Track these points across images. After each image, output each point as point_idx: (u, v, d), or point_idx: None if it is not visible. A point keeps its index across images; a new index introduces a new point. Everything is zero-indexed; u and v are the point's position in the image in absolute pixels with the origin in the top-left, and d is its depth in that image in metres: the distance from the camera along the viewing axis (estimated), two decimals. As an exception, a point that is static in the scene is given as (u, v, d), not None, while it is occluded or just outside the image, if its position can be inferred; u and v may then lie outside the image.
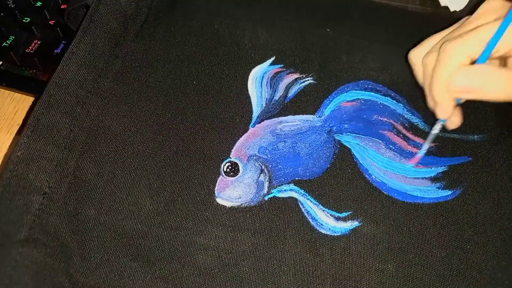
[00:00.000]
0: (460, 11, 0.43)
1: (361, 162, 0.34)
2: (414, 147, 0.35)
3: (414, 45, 0.36)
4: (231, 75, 0.37)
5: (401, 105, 0.37)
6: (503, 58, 0.33)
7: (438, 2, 0.44)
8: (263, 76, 0.38)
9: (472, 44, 0.30)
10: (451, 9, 0.44)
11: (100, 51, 0.36)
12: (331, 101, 0.37)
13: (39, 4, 0.45)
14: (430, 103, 0.34)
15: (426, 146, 0.35)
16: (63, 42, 0.42)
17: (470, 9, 0.43)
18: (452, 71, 0.31)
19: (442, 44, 0.32)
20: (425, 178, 0.34)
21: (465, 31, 0.31)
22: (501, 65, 0.33)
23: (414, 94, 0.37)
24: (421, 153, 0.35)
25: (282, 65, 0.38)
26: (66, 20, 0.40)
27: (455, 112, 0.34)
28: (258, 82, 0.37)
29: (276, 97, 0.37)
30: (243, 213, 0.32)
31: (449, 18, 0.42)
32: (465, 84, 0.31)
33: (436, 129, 0.34)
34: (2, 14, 0.44)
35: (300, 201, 0.33)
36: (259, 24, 0.40)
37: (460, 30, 0.32)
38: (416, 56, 0.35)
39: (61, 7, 0.44)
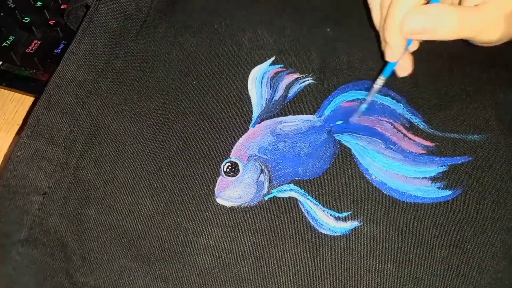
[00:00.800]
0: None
1: (361, 162, 0.34)
2: (414, 146, 0.35)
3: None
4: (231, 75, 0.37)
5: (401, 105, 0.37)
6: None
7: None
8: (263, 76, 0.38)
9: None
10: None
11: (100, 51, 0.36)
12: (331, 101, 0.37)
13: (39, 4, 0.45)
14: (382, 44, 0.34)
15: (368, 99, 0.35)
16: (63, 42, 0.43)
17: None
18: (406, 11, 0.31)
19: None
20: (425, 178, 0.34)
21: None
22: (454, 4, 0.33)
23: (414, 94, 0.37)
24: (362, 108, 0.35)
25: (282, 65, 0.38)
26: (66, 20, 0.40)
27: (406, 56, 0.33)
28: (258, 82, 0.37)
29: (276, 97, 0.37)
30: (243, 213, 0.32)
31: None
32: (420, 26, 0.30)
33: (379, 84, 0.34)
34: (2, 14, 0.44)
35: (300, 201, 0.33)
36: (259, 24, 0.40)
37: None
38: None
39: (61, 7, 0.45)
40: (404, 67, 0.34)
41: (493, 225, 0.32)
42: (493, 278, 0.31)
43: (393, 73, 0.36)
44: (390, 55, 0.33)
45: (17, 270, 0.28)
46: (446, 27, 0.31)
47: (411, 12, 0.31)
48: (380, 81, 0.35)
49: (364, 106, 0.35)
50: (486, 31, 0.32)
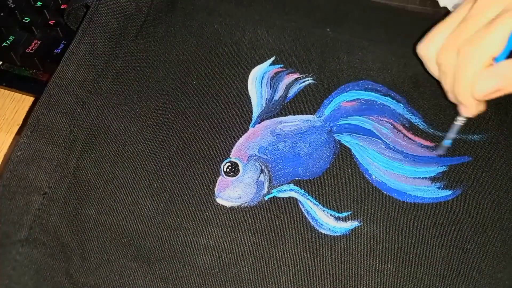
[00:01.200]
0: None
1: (361, 162, 0.34)
2: (414, 146, 0.35)
3: (414, 45, 0.36)
4: (231, 75, 0.37)
5: (401, 105, 0.37)
6: None
7: (438, 2, 0.44)
8: (263, 76, 0.38)
9: (492, 44, 0.30)
10: (450, 9, 0.44)
11: (100, 51, 0.36)
12: (331, 101, 0.37)
13: (39, 4, 0.45)
14: (451, 99, 0.34)
15: (451, 135, 0.35)
16: (63, 42, 0.42)
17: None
18: (475, 74, 0.30)
19: (459, 48, 0.31)
20: (425, 178, 0.34)
21: (479, 30, 0.31)
22: None
23: (414, 94, 0.37)
24: (446, 143, 0.35)
25: (282, 65, 0.38)
26: (66, 20, 0.40)
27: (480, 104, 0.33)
28: (258, 82, 0.37)
29: (276, 97, 0.37)
30: (243, 213, 0.32)
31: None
32: (492, 87, 0.30)
33: (459, 121, 0.35)
34: (2, 14, 0.44)
35: (300, 201, 0.33)
36: (259, 24, 0.40)
37: (470, 26, 0.31)
38: (426, 50, 0.34)
39: (61, 7, 0.44)
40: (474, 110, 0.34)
41: (493, 225, 0.32)
42: (493, 278, 0.31)
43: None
44: (465, 112, 0.34)
45: (17, 270, 0.28)
46: None
47: (481, 78, 0.30)
48: (461, 118, 0.35)
49: (448, 142, 0.35)
50: None
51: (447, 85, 0.34)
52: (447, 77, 0.33)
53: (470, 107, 0.33)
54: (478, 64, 0.30)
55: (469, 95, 0.32)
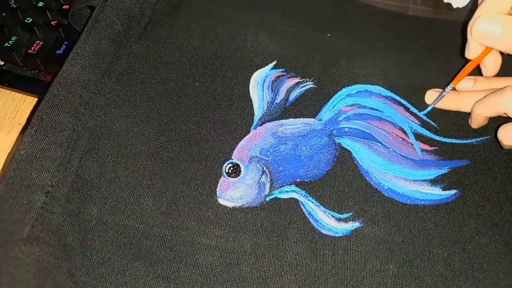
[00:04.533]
0: (463, 8, 0.44)
1: (361, 164, 0.35)
2: (413, 150, 0.36)
3: (414, 51, 0.36)
4: (233, 78, 0.38)
5: (400, 109, 0.37)
6: None
7: (438, 2, 0.44)
8: (264, 79, 0.38)
9: None
10: (454, 6, 0.44)
11: (104, 52, 0.36)
12: (331, 105, 0.37)
13: (41, 4, 0.45)
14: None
15: (436, 101, 0.37)
16: (65, 42, 0.43)
17: (472, 6, 0.43)
18: (485, 14, 0.31)
19: None
20: (425, 180, 0.34)
21: None
22: None
23: (414, 99, 0.38)
24: (428, 109, 0.37)
25: (283, 69, 0.39)
26: (70, 20, 0.40)
27: (494, 57, 0.34)
28: (259, 86, 0.38)
29: (277, 101, 0.37)
30: (244, 214, 0.33)
31: (448, 22, 0.42)
32: (486, 30, 0.31)
33: (447, 90, 0.36)
34: (4, 14, 0.44)
35: (301, 202, 0.33)
36: (261, 29, 0.41)
37: None
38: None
39: (63, 7, 0.45)
40: (488, 65, 0.34)
41: (494, 226, 0.33)
42: (494, 278, 0.31)
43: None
44: (468, 51, 0.34)
45: (19, 268, 0.28)
46: (510, 38, 0.31)
47: (482, 16, 0.31)
48: (449, 87, 0.36)
49: (431, 106, 0.37)
50: None
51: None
52: None
53: (471, 46, 0.33)
54: (494, 4, 0.31)
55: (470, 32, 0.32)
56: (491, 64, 0.34)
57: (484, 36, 0.31)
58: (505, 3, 0.32)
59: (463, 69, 0.35)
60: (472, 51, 0.33)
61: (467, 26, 0.33)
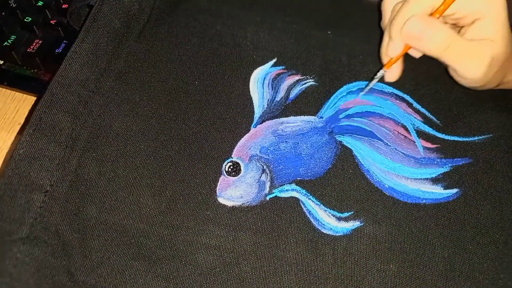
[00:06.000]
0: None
1: (362, 162, 0.35)
2: (415, 148, 0.35)
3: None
4: (233, 76, 0.37)
5: (402, 106, 0.37)
6: (458, 26, 0.35)
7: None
8: (264, 77, 0.38)
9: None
10: None
11: (103, 50, 0.36)
12: (332, 102, 0.37)
13: (40, 3, 0.45)
14: (385, 41, 0.36)
15: (367, 88, 0.37)
16: (64, 41, 0.43)
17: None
18: (412, 14, 0.33)
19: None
20: (427, 179, 0.34)
21: None
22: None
23: (415, 96, 0.37)
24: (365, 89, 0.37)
25: (283, 67, 0.38)
26: (69, 19, 0.40)
27: (398, 65, 0.36)
28: (259, 83, 0.37)
29: (278, 98, 0.37)
30: (244, 213, 0.32)
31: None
32: (415, 32, 0.32)
33: (378, 75, 0.37)
34: (3, 13, 0.44)
35: (301, 201, 0.33)
36: (261, 26, 0.40)
37: None
38: (389, 3, 0.36)
39: (63, 6, 0.45)
40: (394, 72, 0.37)
41: (495, 226, 0.32)
42: (495, 278, 0.31)
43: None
44: (391, 50, 0.35)
45: (18, 268, 0.28)
46: (435, 42, 0.33)
47: (414, 17, 0.32)
48: (380, 73, 0.37)
49: (366, 89, 0.37)
50: (467, 64, 0.33)
51: (385, 24, 0.36)
52: (391, 17, 0.35)
53: (396, 44, 0.34)
54: (420, 6, 0.33)
55: (399, 29, 0.33)
56: (397, 71, 0.37)
57: (413, 37, 0.33)
58: (428, 4, 0.33)
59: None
60: (395, 49, 0.35)
61: (390, 27, 0.34)
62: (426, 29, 0.32)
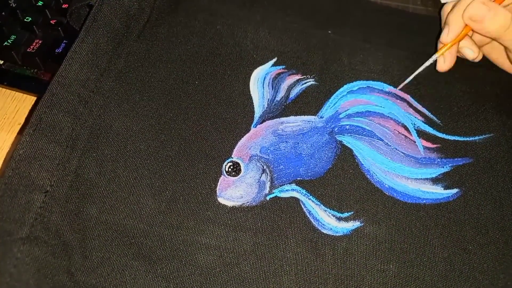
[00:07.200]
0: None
1: (362, 162, 0.35)
2: (415, 148, 0.35)
3: (415, 47, 0.36)
4: (233, 76, 0.37)
5: (403, 106, 0.37)
6: None
7: (439, 0, 0.44)
8: (265, 77, 0.38)
9: None
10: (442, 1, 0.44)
11: (103, 50, 0.36)
12: (333, 102, 0.37)
13: (40, 3, 0.45)
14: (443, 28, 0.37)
15: (416, 72, 0.37)
16: (64, 41, 0.43)
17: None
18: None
19: None
20: (427, 179, 0.34)
21: None
22: None
23: (415, 96, 0.37)
24: (407, 80, 0.37)
25: (283, 66, 0.38)
26: (69, 19, 0.40)
27: (452, 52, 0.37)
28: (260, 83, 0.37)
29: (278, 98, 0.37)
30: (244, 213, 0.32)
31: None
32: (479, 13, 0.34)
33: (429, 61, 0.37)
34: (3, 13, 0.44)
35: (301, 201, 0.33)
36: (261, 26, 0.40)
37: None
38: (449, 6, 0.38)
39: (63, 6, 0.45)
40: (446, 63, 0.38)
41: (495, 226, 0.32)
42: (495, 278, 0.31)
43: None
44: (445, 35, 0.37)
45: (18, 268, 0.28)
46: (496, 23, 0.34)
47: (476, 0, 0.35)
48: (432, 58, 0.38)
49: (410, 78, 0.38)
50: None
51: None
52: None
53: (453, 27, 0.36)
54: None
55: (460, 14, 0.36)
56: (451, 60, 0.38)
57: (475, 19, 0.35)
58: None
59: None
60: (451, 34, 0.37)
61: (449, 14, 0.37)
62: (488, 11, 0.34)
